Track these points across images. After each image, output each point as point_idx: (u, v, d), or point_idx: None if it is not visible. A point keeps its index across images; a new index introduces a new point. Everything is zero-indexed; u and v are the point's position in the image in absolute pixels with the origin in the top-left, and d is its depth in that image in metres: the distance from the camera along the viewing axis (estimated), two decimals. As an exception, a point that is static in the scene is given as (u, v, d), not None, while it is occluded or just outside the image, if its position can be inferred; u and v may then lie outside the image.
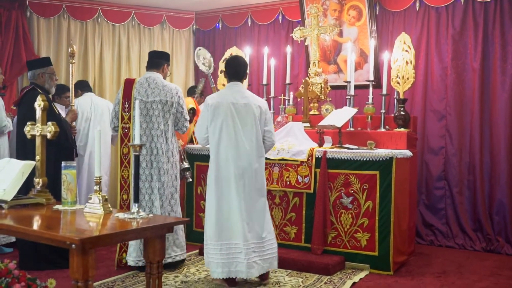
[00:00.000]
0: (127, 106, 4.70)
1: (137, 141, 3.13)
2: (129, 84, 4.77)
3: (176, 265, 4.88)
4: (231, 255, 4.19)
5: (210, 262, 4.26)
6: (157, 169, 4.68)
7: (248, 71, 4.58)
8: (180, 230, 4.87)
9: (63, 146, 4.80)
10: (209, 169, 4.36)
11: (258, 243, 4.25)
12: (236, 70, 4.43)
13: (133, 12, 7.47)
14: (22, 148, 4.86)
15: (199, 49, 6.26)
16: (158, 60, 4.88)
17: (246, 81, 5.35)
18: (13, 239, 5.32)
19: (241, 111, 4.28)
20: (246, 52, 6.16)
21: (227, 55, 6.41)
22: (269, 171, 5.28)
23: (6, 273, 2.96)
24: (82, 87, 6.36)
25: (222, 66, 6.41)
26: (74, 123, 5.15)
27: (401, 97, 5.34)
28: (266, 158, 5.28)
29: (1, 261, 3.04)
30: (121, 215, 2.99)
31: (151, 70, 4.86)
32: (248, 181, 4.24)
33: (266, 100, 6.05)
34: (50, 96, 5.25)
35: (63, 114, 5.35)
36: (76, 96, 5.96)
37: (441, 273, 4.92)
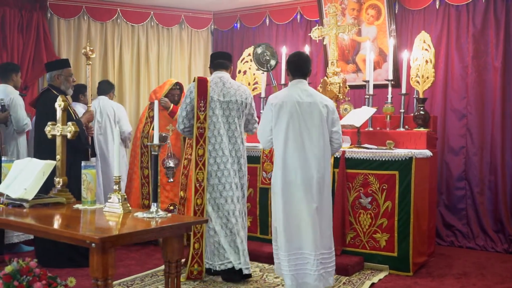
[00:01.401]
0: (203, 105, 4.44)
1: (156, 141, 3.15)
2: (202, 82, 4.49)
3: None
4: (299, 266, 3.91)
5: (282, 274, 3.99)
6: (233, 172, 4.49)
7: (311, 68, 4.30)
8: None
9: (76, 147, 4.79)
10: (275, 175, 4.06)
11: (326, 253, 3.97)
12: (300, 66, 4.13)
13: (152, 12, 7.51)
14: (38, 148, 4.95)
15: (258, 46, 5.85)
16: (224, 62, 4.69)
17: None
18: (31, 236, 5.38)
19: (307, 111, 3.97)
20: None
21: (245, 55, 6.41)
22: (288, 171, 5.26)
23: (27, 271, 3.00)
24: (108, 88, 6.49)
25: (240, 66, 6.41)
26: (90, 124, 5.16)
27: (421, 96, 5.29)
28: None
29: (22, 260, 3.08)
30: (140, 214, 3.01)
31: (220, 70, 4.66)
32: (317, 188, 3.93)
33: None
34: (69, 96, 5.33)
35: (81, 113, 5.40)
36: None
37: (462, 274, 4.87)
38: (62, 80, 5.07)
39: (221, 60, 4.71)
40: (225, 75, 4.64)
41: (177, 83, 6.02)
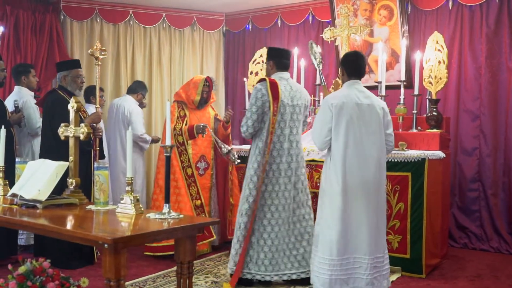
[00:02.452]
0: (276, 109, 4.28)
1: (168, 142, 3.15)
2: (275, 86, 4.31)
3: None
4: (350, 270, 3.80)
5: (320, 278, 3.83)
6: (297, 177, 4.39)
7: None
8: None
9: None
10: (331, 178, 3.88)
11: (381, 257, 3.87)
12: (357, 66, 4.01)
13: (164, 14, 7.54)
14: (42, 148, 5.01)
15: (312, 42, 5.87)
16: (288, 62, 4.53)
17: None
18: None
19: (366, 113, 3.86)
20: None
21: (256, 56, 6.42)
22: (299, 172, 5.25)
23: (41, 271, 3.02)
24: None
25: (252, 67, 6.42)
26: (99, 125, 5.07)
27: (434, 97, 5.27)
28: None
29: (35, 260, 3.10)
30: (152, 215, 3.02)
31: (284, 71, 4.50)
32: (375, 192, 3.85)
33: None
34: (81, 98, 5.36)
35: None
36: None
37: (475, 276, 4.83)
38: (69, 81, 5.07)
39: (286, 60, 4.54)
40: (289, 77, 4.53)
41: (206, 79, 5.57)
